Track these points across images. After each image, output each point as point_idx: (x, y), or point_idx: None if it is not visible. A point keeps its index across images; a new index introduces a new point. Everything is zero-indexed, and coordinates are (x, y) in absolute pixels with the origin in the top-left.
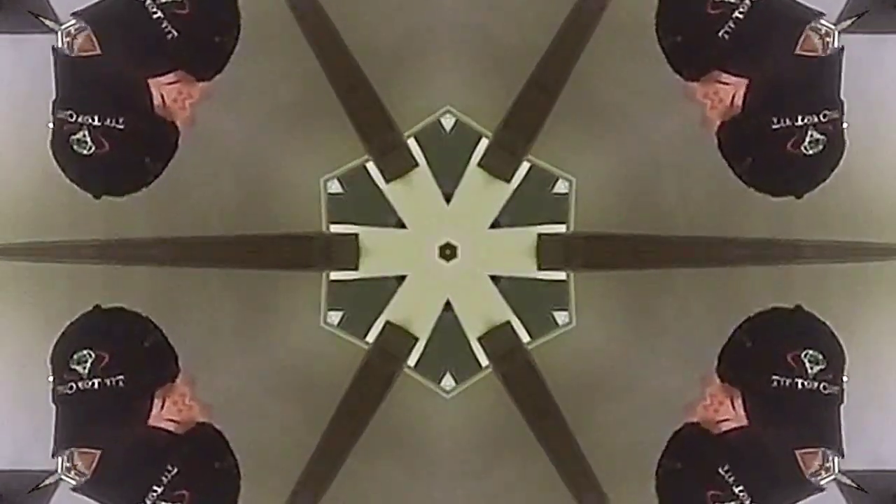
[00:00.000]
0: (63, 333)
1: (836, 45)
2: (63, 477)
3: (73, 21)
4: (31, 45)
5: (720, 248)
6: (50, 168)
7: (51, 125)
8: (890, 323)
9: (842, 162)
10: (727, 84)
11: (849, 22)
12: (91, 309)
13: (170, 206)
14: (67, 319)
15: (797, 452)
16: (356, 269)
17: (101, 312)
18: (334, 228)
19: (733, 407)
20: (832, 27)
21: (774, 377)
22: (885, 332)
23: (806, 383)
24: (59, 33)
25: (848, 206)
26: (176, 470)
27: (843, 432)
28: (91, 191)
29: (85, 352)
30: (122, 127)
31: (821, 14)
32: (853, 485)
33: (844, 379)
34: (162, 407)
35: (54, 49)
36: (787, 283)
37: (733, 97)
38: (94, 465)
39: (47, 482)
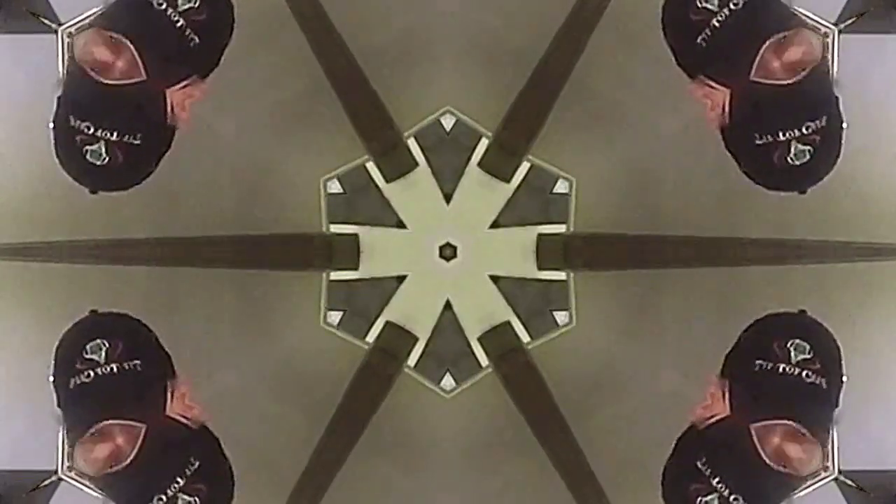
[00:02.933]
0: (67, 332)
1: (824, 54)
2: (63, 477)
3: (73, 21)
4: (31, 46)
5: (720, 248)
6: (50, 169)
7: (51, 124)
8: (890, 323)
9: (840, 162)
10: (713, 88)
11: (849, 22)
12: (86, 315)
13: (169, 206)
14: (66, 320)
15: (754, 427)
16: (356, 269)
17: (96, 317)
18: (334, 228)
19: (723, 398)
20: (832, 27)
21: (757, 362)
22: (885, 332)
23: (787, 368)
24: (60, 34)
25: (848, 206)
26: (198, 464)
27: (833, 424)
28: (87, 185)
29: (98, 341)
30: (139, 143)
31: (803, 24)
32: (853, 485)
33: (843, 379)
34: (172, 398)
35: (73, 59)
36: (788, 282)
37: (724, 107)
38: (138, 442)
39: (47, 482)
